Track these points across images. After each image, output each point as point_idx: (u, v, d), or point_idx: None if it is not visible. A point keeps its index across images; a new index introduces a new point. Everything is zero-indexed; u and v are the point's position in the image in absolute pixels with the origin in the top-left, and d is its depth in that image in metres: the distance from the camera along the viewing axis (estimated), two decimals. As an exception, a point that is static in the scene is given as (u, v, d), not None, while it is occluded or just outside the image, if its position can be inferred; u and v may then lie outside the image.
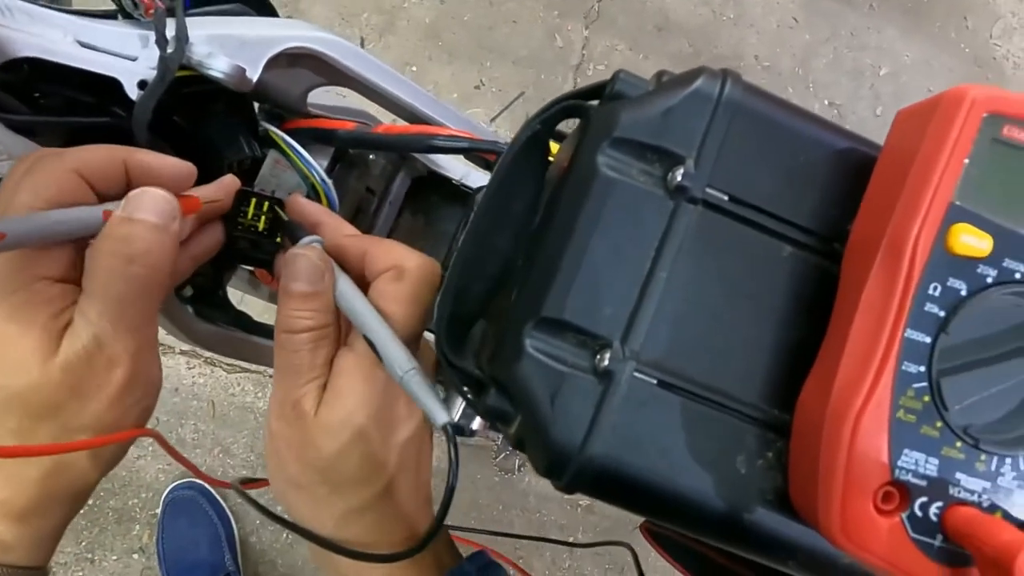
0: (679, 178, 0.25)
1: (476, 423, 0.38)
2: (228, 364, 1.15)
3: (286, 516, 0.32)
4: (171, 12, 0.34)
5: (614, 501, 0.26)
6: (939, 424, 0.22)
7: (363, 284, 0.30)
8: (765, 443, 0.25)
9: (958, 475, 0.22)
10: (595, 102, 0.28)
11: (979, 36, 1.49)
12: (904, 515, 0.22)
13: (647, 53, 1.36)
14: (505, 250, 0.30)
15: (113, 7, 0.37)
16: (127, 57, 0.34)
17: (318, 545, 0.30)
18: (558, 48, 1.32)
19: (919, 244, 0.21)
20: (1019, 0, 1.54)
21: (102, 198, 0.29)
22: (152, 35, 0.34)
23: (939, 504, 0.22)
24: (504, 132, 1.18)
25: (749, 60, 1.39)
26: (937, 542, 0.22)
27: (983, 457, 0.22)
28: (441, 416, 0.26)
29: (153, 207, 0.28)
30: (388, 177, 0.48)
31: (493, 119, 1.27)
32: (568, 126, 0.31)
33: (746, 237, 0.25)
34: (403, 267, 0.29)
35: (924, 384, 0.22)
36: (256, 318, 0.46)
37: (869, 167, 0.25)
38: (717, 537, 0.26)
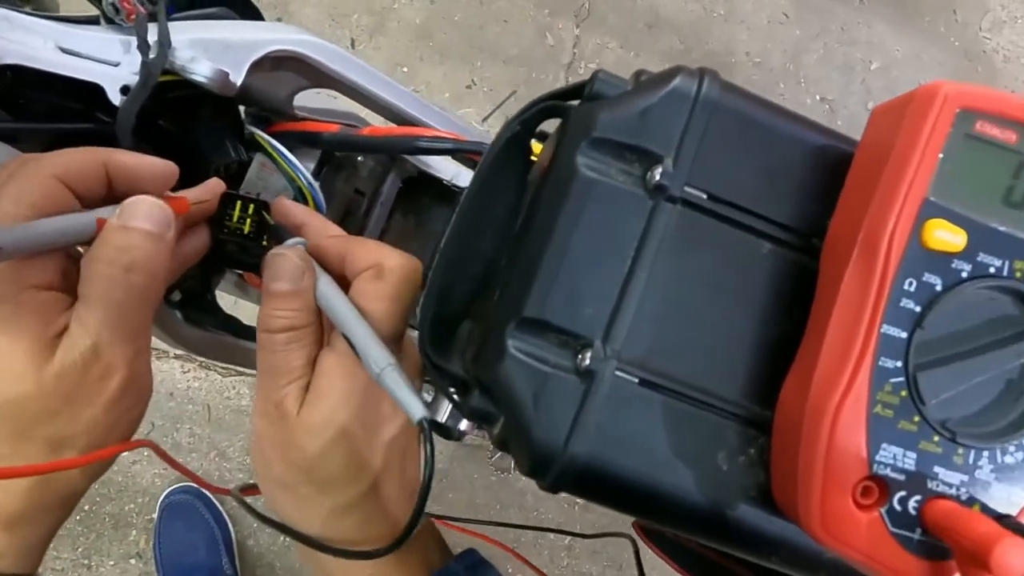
0: (658, 177, 0.25)
1: (464, 424, 0.38)
2: (223, 368, 1.15)
3: (275, 517, 0.32)
4: (153, 17, 0.34)
5: (598, 500, 0.26)
6: (916, 418, 0.22)
7: (345, 284, 0.30)
8: (747, 440, 0.25)
9: (936, 469, 0.22)
10: (576, 102, 0.28)
11: (969, 30, 1.49)
12: (883, 509, 0.22)
13: (638, 50, 1.36)
14: (488, 251, 0.30)
15: (95, 12, 0.37)
16: (109, 63, 0.34)
17: (300, 543, 0.30)
18: (549, 47, 1.32)
19: (894, 240, 0.22)
20: (1008, -7, 1.54)
21: (84, 201, 0.29)
22: (135, 40, 0.34)
23: (917, 498, 0.22)
24: (496, 132, 1.18)
25: (740, 56, 1.40)
26: (916, 536, 0.22)
27: (960, 451, 0.22)
28: (417, 411, 0.26)
29: (148, 215, 0.28)
30: (378, 179, 0.48)
31: (485, 119, 1.27)
32: (553, 126, 0.31)
33: (725, 235, 0.25)
34: (383, 266, 0.29)
35: (901, 379, 0.22)
36: (247, 322, 0.46)
37: (847, 163, 0.25)
38: (701, 534, 0.26)
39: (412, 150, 0.39)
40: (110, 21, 0.36)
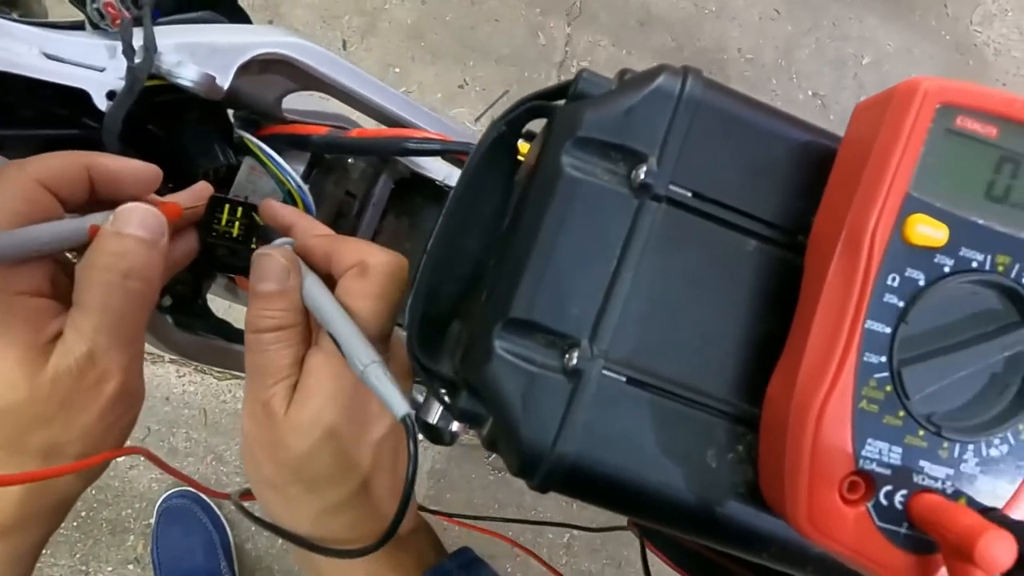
0: (642, 176, 0.25)
1: (455, 426, 0.38)
2: (219, 372, 1.15)
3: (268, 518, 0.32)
4: (138, 22, 0.34)
5: (587, 499, 0.26)
6: (901, 413, 0.22)
7: (332, 283, 0.30)
8: (735, 437, 0.25)
9: (921, 463, 0.22)
10: (561, 102, 0.28)
11: (960, 23, 1.50)
12: (870, 504, 0.22)
13: (630, 48, 1.36)
14: (476, 251, 0.30)
15: (81, 18, 0.37)
16: (95, 68, 0.34)
17: (291, 542, 0.30)
18: (541, 46, 1.32)
19: (877, 236, 0.22)
20: (999, -14, 1.54)
21: (67, 206, 0.29)
22: (120, 45, 0.33)
23: (904, 492, 0.22)
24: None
25: (732, 53, 1.40)
26: (903, 530, 0.22)
27: (945, 444, 0.22)
28: (400, 408, 0.26)
29: (143, 222, 0.28)
30: (369, 180, 0.48)
31: (478, 118, 1.27)
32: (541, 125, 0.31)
33: (711, 233, 0.26)
34: (367, 263, 0.29)
35: (885, 374, 0.22)
36: (239, 326, 0.46)
37: (831, 160, 0.25)
38: (691, 531, 0.26)
39: (400, 151, 0.39)
40: (95, 26, 0.36)
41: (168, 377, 1.14)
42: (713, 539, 0.27)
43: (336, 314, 0.28)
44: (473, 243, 0.30)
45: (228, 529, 1.10)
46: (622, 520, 0.34)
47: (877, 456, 0.22)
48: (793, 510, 0.23)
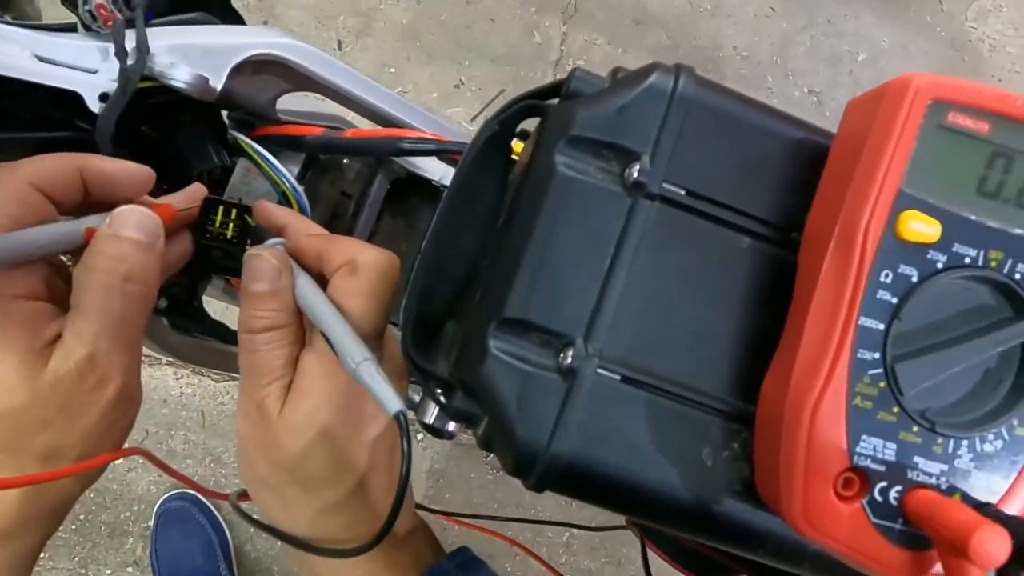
0: (635, 174, 0.25)
1: (452, 425, 0.38)
2: (216, 373, 1.15)
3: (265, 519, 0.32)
4: (131, 23, 0.34)
5: (583, 498, 0.26)
6: (895, 409, 0.22)
7: (325, 283, 0.30)
8: (730, 434, 0.25)
9: (916, 459, 0.22)
10: (555, 100, 0.28)
11: (955, 19, 1.50)
12: (865, 500, 0.22)
13: (626, 47, 1.36)
14: (471, 251, 0.30)
15: (73, 20, 0.36)
16: (87, 70, 0.34)
17: (284, 542, 0.30)
18: (536, 44, 1.32)
19: (869, 232, 0.22)
20: (993, -18, 1.54)
21: (60, 208, 0.29)
22: (112, 47, 0.33)
23: (898, 488, 0.22)
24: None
25: (727, 51, 1.40)
26: (898, 526, 0.22)
27: (940, 440, 0.22)
28: (392, 404, 0.26)
29: (140, 224, 0.28)
30: (364, 181, 0.48)
31: (474, 118, 1.27)
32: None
33: (704, 230, 0.26)
34: (357, 261, 0.29)
35: (879, 371, 0.22)
36: (236, 328, 0.45)
37: (824, 157, 0.25)
38: (687, 529, 0.26)
39: (395, 151, 0.39)
40: (88, 28, 0.36)
41: (166, 379, 1.13)
42: (710, 537, 0.27)
43: (327, 312, 0.28)
44: (467, 243, 0.30)
45: (227, 531, 1.10)
46: (621, 519, 0.34)
47: (871, 452, 0.22)
48: (788, 507, 0.23)
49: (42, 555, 0.32)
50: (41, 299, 0.29)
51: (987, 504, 0.22)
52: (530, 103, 0.28)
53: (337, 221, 0.47)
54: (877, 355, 0.22)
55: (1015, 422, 0.23)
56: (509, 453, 0.25)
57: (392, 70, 1.27)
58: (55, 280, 0.30)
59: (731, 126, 0.26)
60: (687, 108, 0.25)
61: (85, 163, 0.29)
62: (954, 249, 0.22)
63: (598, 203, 0.25)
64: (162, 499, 1.09)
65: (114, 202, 0.30)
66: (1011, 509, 0.23)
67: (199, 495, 1.08)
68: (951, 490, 0.22)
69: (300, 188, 0.41)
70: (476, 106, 1.28)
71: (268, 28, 0.41)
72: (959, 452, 0.22)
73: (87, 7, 0.34)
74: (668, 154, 0.25)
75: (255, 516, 0.32)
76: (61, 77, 0.33)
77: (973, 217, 0.22)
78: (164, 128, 0.39)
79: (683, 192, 0.25)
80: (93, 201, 0.30)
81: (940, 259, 0.22)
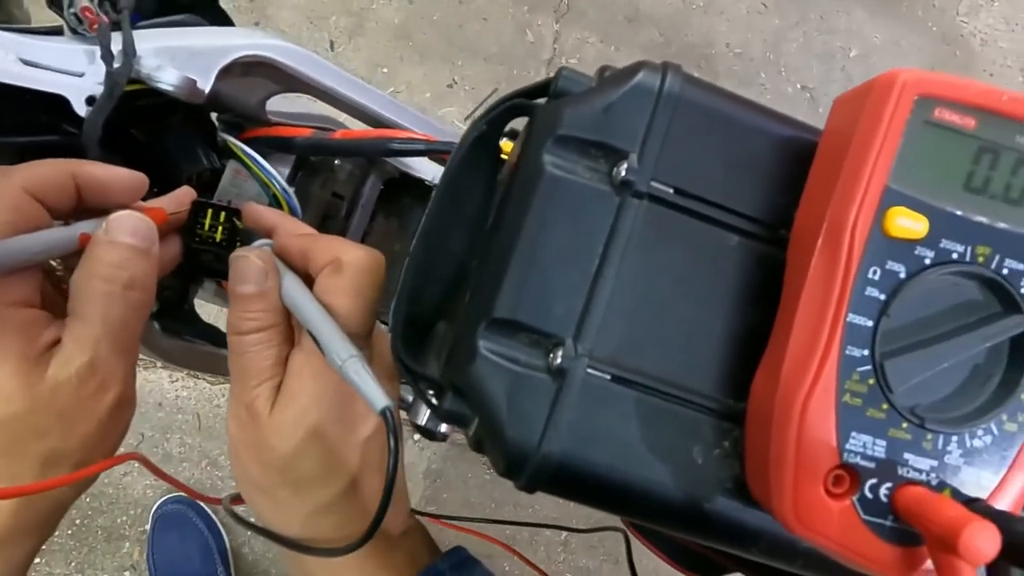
0: (623, 173, 0.25)
1: (444, 426, 0.38)
2: (212, 376, 1.15)
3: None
4: (117, 26, 0.34)
5: (575, 498, 0.26)
6: (885, 406, 0.22)
7: (311, 282, 0.30)
8: (721, 433, 0.25)
9: (906, 455, 0.22)
10: (543, 100, 0.28)
11: (946, 14, 1.50)
12: (855, 498, 0.22)
13: (618, 45, 1.36)
14: (460, 252, 0.30)
15: (59, 23, 0.36)
16: (73, 73, 0.33)
17: (276, 543, 0.30)
18: (529, 43, 1.32)
19: (857, 229, 0.22)
20: (985, -23, 1.55)
21: (53, 214, 0.29)
22: (99, 50, 0.33)
23: (888, 485, 0.22)
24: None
25: (720, 48, 1.40)
26: (888, 523, 0.22)
27: (929, 436, 0.22)
28: (379, 401, 0.26)
29: (135, 230, 0.29)
30: (356, 182, 0.48)
31: (467, 117, 1.27)
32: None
33: (693, 229, 0.25)
34: (341, 260, 0.29)
35: (868, 367, 0.22)
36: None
37: (812, 154, 0.25)
38: (680, 528, 0.26)
39: (385, 152, 0.39)
40: (74, 31, 0.35)
41: (161, 383, 1.13)
42: (702, 535, 0.26)
43: (313, 311, 0.28)
44: (456, 243, 0.30)
45: (224, 534, 1.10)
46: (615, 520, 0.34)
47: (861, 449, 0.22)
48: (779, 505, 0.23)
49: (38, 560, 0.31)
50: (35, 306, 0.28)
51: (977, 500, 0.22)
52: (517, 103, 0.28)
53: (330, 222, 0.47)
54: (866, 352, 0.22)
55: (1004, 417, 0.23)
56: (499, 454, 0.25)
57: (385, 70, 1.26)
58: (46, 287, 0.30)
59: (719, 124, 0.25)
60: (674, 106, 0.25)
61: (79, 169, 0.29)
62: (942, 245, 0.22)
63: (586, 202, 0.25)
64: (158, 503, 1.08)
65: (107, 208, 0.30)
66: (1001, 504, 0.23)
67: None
68: (941, 486, 0.22)
69: (290, 190, 0.40)
70: (469, 105, 1.28)
71: (256, 29, 0.41)
72: (949, 448, 0.22)
73: (72, 10, 0.34)
74: (656, 152, 0.25)
75: (250, 520, 0.32)
76: (47, 81, 0.33)
77: (960, 213, 0.22)
78: (152, 131, 0.39)
79: (671, 190, 0.25)
80: (86, 207, 0.30)
81: (928, 255, 0.22)
